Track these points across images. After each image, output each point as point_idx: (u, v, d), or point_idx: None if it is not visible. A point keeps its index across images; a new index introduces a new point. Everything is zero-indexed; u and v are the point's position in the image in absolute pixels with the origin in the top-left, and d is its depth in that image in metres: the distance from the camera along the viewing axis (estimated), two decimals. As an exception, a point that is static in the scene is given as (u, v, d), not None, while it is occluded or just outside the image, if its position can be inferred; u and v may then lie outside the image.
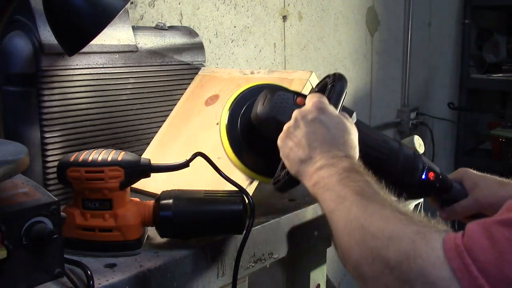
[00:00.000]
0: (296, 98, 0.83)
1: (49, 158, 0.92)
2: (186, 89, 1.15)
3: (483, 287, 0.50)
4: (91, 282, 0.65)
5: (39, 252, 0.64)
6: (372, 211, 0.62)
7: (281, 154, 0.79)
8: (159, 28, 1.14)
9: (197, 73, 1.16)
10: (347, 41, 2.06)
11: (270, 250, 0.90)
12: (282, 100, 0.83)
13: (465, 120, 3.04)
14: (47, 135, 0.92)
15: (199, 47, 1.18)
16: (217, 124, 1.02)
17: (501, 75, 2.93)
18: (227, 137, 0.90)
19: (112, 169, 0.74)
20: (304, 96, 0.84)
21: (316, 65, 1.91)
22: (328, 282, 1.24)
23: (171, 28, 1.17)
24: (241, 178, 0.89)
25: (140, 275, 0.70)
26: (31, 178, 0.72)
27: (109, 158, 0.75)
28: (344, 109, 0.83)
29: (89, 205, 0.75)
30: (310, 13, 1.85)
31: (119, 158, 0.75)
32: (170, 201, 0.76)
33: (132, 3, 1.27)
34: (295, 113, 0.78)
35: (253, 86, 0.94)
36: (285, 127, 0.79)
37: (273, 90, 0.84)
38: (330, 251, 1.16)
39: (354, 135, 0.78)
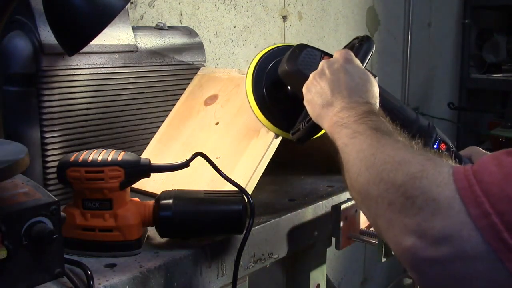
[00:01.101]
0: (323, 56, 0.87)
1: (49, 158, 0.92)
2: (186, 89, 1.15)
3: (483, 204, 0.50)
4: (91, 282, 0.65)
5: (39, 252, 0.64)
6: (386, 143, 0.64)
7: (304, 100, 0.82)
8: (159, 28, 1.14)
9: (197, 73, 1.16)
10: (347, 41, 2.05)
11: (270, 250, 0.90)
12: (310, 56, 0.86)
13: (465, 120, 3.04)
14: (47, 135, 0.92)
15: (199, 47, 1.18)
16: (217, 124, 1.02)
17: (501, 75, 2.92)
18: (253, 93, 0.92)
19: (112, 169, 0.74)
20: (331, 56, 0.86)
21: (316, 65, 1.91)
22: (328, 282, 1.24)
23: (171, 28, 1.17)
24: (241, 178, 0.89)
25: (140, 275, 0.70)
26: (31, 178, 0.72)
27: (109, 158, 0.75)
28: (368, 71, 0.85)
29: (89, 205, 0.75)
30: (310, 13, 1.85)
31: (119, 158, 0.75)
32: (170, 201, 0.76)
33: (132, 3, 1.27)
34: (322, 62, 0.82)
35: (280, 46, 0.97)
36: (311, 75, 0.81)
37: (301, 47, 0.88)
38: (330, 251, 1.16)
39: (376, 87, 0.80)
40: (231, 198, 0.78)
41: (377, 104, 0.78)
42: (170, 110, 1.12)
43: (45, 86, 0.91)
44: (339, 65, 0.80)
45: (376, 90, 0.80)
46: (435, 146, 0.91)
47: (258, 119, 0.92)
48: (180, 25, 1.35)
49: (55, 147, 0.93)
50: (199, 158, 0.79)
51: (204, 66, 1.19)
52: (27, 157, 0.64)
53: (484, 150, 0.96)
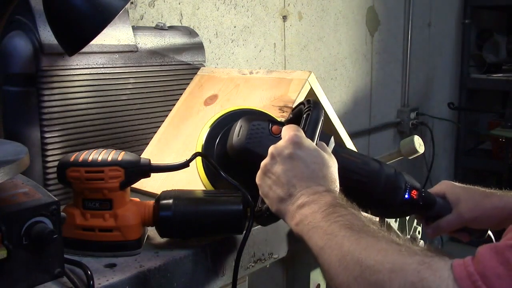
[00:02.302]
0: (271, 127, 0.81)
1: (49, 158, 0.92)
2: (186, 89, 1.15)
3: None
4: (91, 282, 0.65)
5: (39, 252, 0.64)
6: (367, 244, 0.59)
7: (260, 192, 0.77)
8: (159, 28, 1.14)
9: (197, 73, 1.16)
10: (347, 41, 2.06)
11: (270, 250, 0.90)
12: (257, 130, 0.81)
13: (465, 120, 3.04)
14: (47, 135, 0.92)
15: (199, 47, 1.18)
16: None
17: (501, 75, 2.93)
18: (203, 166, 0.88)
19: (112, 169, 0.74)
20: (280, 124, 0.82)
21: (316, 65, 1.91)
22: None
23: (171, 28, 1.17)
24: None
25: (140, 275, 0.70)
26: (31, 178, 0.72)
27: (109, 158, 0.75)
28: (321, 136, 0.80)
29: (89, 205, 0.75)
30: (310, 13, 1.85)
31: (119, 158, 0.75)
32: (170, 201, 0.76)
33: (132, 3, 1.27)
34: (271, 149, 0.75)
35: (229, 112, 0.91)
36: (262, 164, 0.76)
37: (248, 119, 0.83)
38: (330, 251, 1.16)
39: (333, 167, 0.76)
40: (231, 198, 0.78)
41: (338, 188, 0.74)
42: (170, 110, 1.12)
43: (45, 86, 0.91)
44: (289, 151, 0.73)
45: (333, 171, 0.75)
46: (406, 196, 0.87)
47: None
48: (180, 25, 1.35)
49: (55, 147, 0.93)
50: (199, 158, 0.79)
51: (204, 66, 1.19)
52: (27, 157, 0.64)
53: (457, 184, 0.93)
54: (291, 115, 0.90)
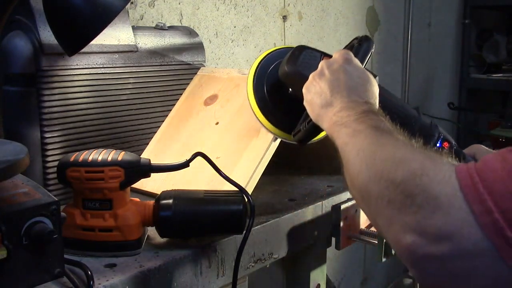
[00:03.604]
0: (322, 57, 0.87)
1: (49, 158, 0.92)
2: (186, 89, 1.15)
3: (486, 201, 0.50)
4: (91, 282, 0.65)
5: (39, 252, 0.64)
6: (386, 141, 0.64)
7: (304, 101, 0.82)
8: (159, 28, 1.14)
9: (197, 73, 1.16)
10: (347, 41, 2.05)
11: (270, 250, 0.90)
12: (310, 57, 0.86)
13: (465, 120, 3.04)
14: (47, 135, 0.92)
15: (199, 47, 1.18)
16: (216, 124, 1.02)
17: (501, 75, 2.92)
18: (254, 95, 0.92)
19: (112, 169, 0.74)
20: (331, 56, 0.86)
21: (316, 65, 1.91)
22: (328, 282, 1.24)
23: (171, 28, 1.17)
24: (241, 178, 0.89)
25: (140, 275, 0.70)
26: (31, 178, 0.72)
27: (109, 158, 0.75)
28: (368, 71, 0.85)
29: (89, 205, 0.75)
30: (310, 13, 1.85)
31: (119, 158, 0.75)
32: (170, 201, 0.76)
33: (132, 3, 1.27)
34: (322, 62, 0.82)
35: (281, 48, 0.97)
36: (311, 76, 0.81)
37: (301, 48, 0.88)
38: (330, 251, 1.16)
39: (375, 87, 0.80)
40: (231, 198, 0.78)
41: (377, 104, 0.78)
42: (170, 110, 1.12)
43: (45, 86, 0.91)
44: (338, 65, 0.80)
45: (376, 89, 0.80)
46: (437, 144, 0.91)
47: (260, 121, 0.92)
48: (180, 25, 1.35)
49: (55, 147, 0.93)
50: (199, 158, 0.79)
51: (204, 66, 1.19)
52: (27, 157, 0.64)
53: (487, 148, 0.96)
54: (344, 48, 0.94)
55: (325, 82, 0.79)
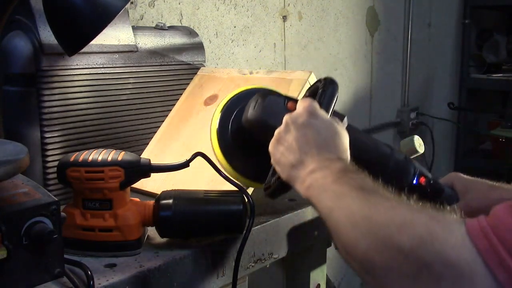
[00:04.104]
0: (287, 103, 0.82)
1: (49, 158, 0.92)
2: (186, 89, 1.15)
3: (510, 268, 0.48)
4: (91, 282, 0.65)
5: (39, 252, 0.64)
6: (376, 202, 0.59)
7: (272, 160, 0.77)
8: (159, 28, 1.14)
9: (197, 73, 1.16)
10: (347, 41, 2.06)
11: (270, 250, 0.90)
12: (273, 104, 0.82)
13: (465, 120, 3.04)
14: (47, 135, 0.92)
15: (199, 47, 1.18)
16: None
17: (501, 75, 2.92)
18: (218, 142, 0.88)
19: (112, 169, 0.74)
20: (295, 101, 0.83)
21: (316, 65, 1.91)
22: (328, 282, 1.24)
23: (171, 28, 1.17)
24: (241, 178, 0.88)
25: (140, 275, 0.70)
26: (31, 178, 0.72)
27: (109, 158, 0.75)
28: (335, 114, 0.81)
29: (89, 205, 0.75)
30: (310, 13, 1.85)
31: (119, 158, 0.75)
32: (170, 201, 0.76)
33: (132, 3, 1.27)
34: (286, 117, 0.76)
35: (244, 90, 0.92)
36: (276, 132, 0.77)
37: (264, 94, 0.83)
38: (330, 251, 1.16)
39: (345, 138, 0.76)
40: (231, 198, 0.78)
41: (348, 158, 0.75)
42: (170, 110, 1.12)
43: (45, 86, 0.91)
44: (303, 120, 0.74)
45: (345, 141, 0.76)
46: (414, 182, 0.87)
47: (225, 169, 0.85)
48: (180, 25, 1.35)
49: (55, 147, 0.93)
50: (199, 158, 0.79)
51: (204, 66, 1.19)
52: (27, 157, 0.64)
53: (465, 176, 0.93)
54: (307, 93, 0.91)
55: (292, 140, 0.74)
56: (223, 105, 0.90)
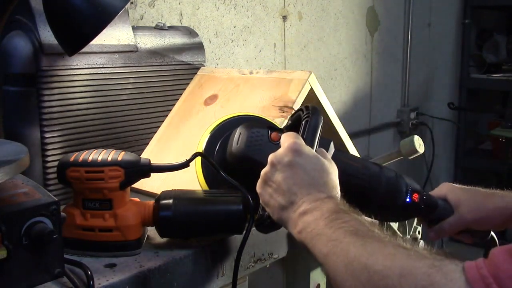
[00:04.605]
0: (270, 134, 0.81)
1: (49, 158, 0.92)
2: (186, 89, 1.15)
3: None
4: (91, 282, 0.65)
5: (39, 252, 0.64)
6: (373, 250, 0.58)
7: (261, 201, 0.76)
8: (159, 28, 1.14)
9: (196, 73, 1.16)
10: (347, 41, 2.06)
11: (270, 250, 0.90)
12: (257, 137, 0.80)
13: (465, 120, 3.04)
14: (47, 135, 0.92)
15: (199, 47, 1.18)
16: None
17: (501, 75, 2.92)
18: (202, 172, 0.86)
19: (112, 169, 0.74)
20: (279, 131, 0.82)
21: (316, 65, 1.91)
22: (328, 282, 1.24)
23: (171, 28, 1.17)
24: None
25: (140, 275, 0.70)
26: (31, 178, 0.72)
27: (109, 158, 0.75)
28: (321, 142, 0.80)
29: (89, 205, 0.75)
30: (310, 13, 1.85)
31: (119, 158, 0.75)
32: (170, 201, 0.76)
33: (132, 3, 1.27)
34: (271, 157, 0.74)
35: (228, 119, 0.90)
36: (262, 173, 0.75)
37: (247, 127, 0.82)
38: (330, 251, 1.16)
39: (333, 174, 0.75)
40: (231, 198, 0.78)
41: (339, 194, 0.73)
42: (170, 110, 1.12)
43: (45, 86, 0.91)
44: (289, 159, 0.72)
45: (334, 177, 0.74)
46: (407, 200, 0.87)
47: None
48: (180, 25, 1.35)
49: (55, 147, 0.93)
50: (199, 158, 0.79)
51: (204, 66, 1.19)
52: (27, 157, 0.64)
53: (458, 186, 0.93)
54: (289, 121, 0.89)
55: (280, 181, 0.72)
56: (208, 133, 0.88)
